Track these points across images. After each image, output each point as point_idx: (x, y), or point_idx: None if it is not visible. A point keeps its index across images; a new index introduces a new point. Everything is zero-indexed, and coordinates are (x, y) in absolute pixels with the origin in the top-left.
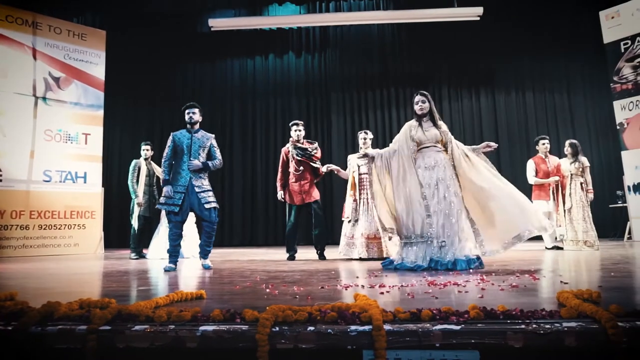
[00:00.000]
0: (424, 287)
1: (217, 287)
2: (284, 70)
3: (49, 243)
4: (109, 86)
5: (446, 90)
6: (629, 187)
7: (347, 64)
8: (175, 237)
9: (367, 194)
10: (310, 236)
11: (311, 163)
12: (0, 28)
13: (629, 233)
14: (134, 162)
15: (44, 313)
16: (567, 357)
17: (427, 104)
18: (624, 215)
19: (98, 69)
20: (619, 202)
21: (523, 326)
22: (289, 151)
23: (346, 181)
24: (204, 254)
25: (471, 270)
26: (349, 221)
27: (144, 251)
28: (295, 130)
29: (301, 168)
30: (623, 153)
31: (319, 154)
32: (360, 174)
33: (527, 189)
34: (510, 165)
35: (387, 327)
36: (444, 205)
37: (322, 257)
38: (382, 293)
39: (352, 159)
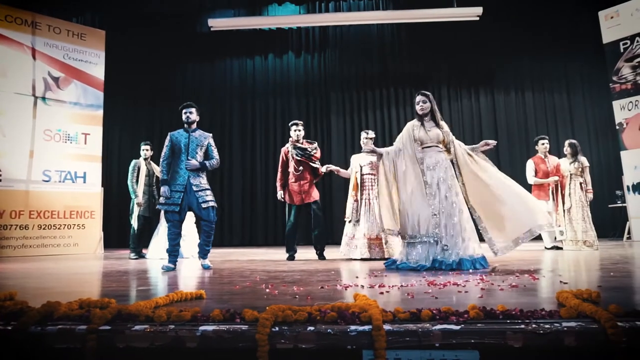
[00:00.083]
0: (424, 287)
1: (216, 287)
2: (284, 70)
3: (49, 243)
4: (109, 86)
5: (446, 90)
6: (628, 187)
7: (346, 64)
8: (174, 237)
9: (368, 194)
10: (310, 236)
11: (311, 163)
12: None
13: (628, 233)
14: (133, 162)
15: (43, 313)
16: (567, 357)
17: (427, 104)
18: (624, 215)
19: (97, 69)
20: (618, 202)
21: (523, 326)
22: (288, 151)
23: (347, 181)
24: (203, 253)
25: (477, 270)
26: (349, 221)
27: (144, 251)
28: (295, 130)
29: (301, 168)
30: (622, 153)
31: (318, 154)
32: (362, 175)
33: (526, 189)
34: (509, 165)
35: (386, 327)
36: (445, 205)
37: (321, 257)
38: (382, 293)
39: (355, 160)
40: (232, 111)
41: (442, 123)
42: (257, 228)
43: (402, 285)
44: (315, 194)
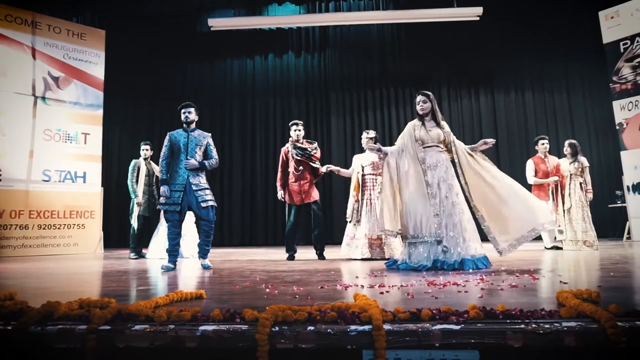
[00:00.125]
0: (424, 287)
1: (216, 287)
2: (284, 70)
3: (49, 243)
4: (109, 86)
5: (446, 90)
6: (628, 187)
7: (346, 63)
8: (174, 236)
9: (370, 194)
10: (310, 236)
11: (311, 163)
12: None
13: (628, 233)
14: (133, 162)
15: (43, 313)
16: (567, 356)
17: (428, 104)
18: (623, 215)
19: (97, 69)
20: (618, 202)
21: (522, 326)
22: (288, 151)
23: (347, 181)
24: (203, 253)
25: (479, 270)
26: (350, 221)
27: (144, 251)
28: (295, 130)
29: (301, 168)
30: (622, 153)
31: (318, 154)
32: (364, 175)
33: (526, 189)
34: (509, 165)
35: (386, 326)
36: (446, 205)
37: (321, 257)
38: (382, 293)
39: (356, 160)
40: (232, 111)
41: (443, 123)
42: (257, 228)
43: (402, 285)
44: (315, 194)
